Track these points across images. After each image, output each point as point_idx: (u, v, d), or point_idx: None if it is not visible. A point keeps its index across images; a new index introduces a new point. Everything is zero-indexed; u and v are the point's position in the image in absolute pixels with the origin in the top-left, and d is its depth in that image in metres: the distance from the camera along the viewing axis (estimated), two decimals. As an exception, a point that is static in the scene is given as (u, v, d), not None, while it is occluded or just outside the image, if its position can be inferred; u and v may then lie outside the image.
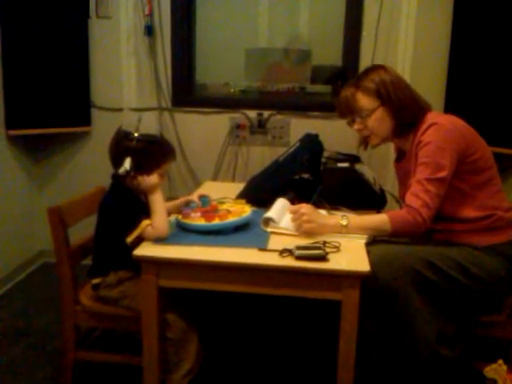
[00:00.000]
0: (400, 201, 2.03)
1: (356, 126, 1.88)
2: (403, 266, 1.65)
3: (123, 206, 1.75)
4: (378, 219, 1.76)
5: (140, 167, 1.73)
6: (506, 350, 1.78)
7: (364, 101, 1.82)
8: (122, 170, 1.70)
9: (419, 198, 1.68)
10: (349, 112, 1.88)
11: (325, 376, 1.95)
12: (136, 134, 1.74)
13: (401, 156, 1.99)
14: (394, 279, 1.64)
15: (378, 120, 1.83)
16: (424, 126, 1.75)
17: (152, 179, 1.74)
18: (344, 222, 1.74)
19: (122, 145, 1.75)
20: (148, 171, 1.74)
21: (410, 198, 1.70)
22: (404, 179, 1.93)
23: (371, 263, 1.55)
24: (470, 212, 1.74)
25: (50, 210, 1.84)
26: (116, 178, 1.79)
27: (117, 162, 1.74)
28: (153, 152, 1.76)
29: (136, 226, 1.67)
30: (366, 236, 1.75)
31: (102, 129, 3.06)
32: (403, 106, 1.80)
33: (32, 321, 2.53)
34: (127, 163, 1.70)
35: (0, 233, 2.84)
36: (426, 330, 1.65)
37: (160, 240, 1.68)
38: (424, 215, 1.66)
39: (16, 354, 2.25)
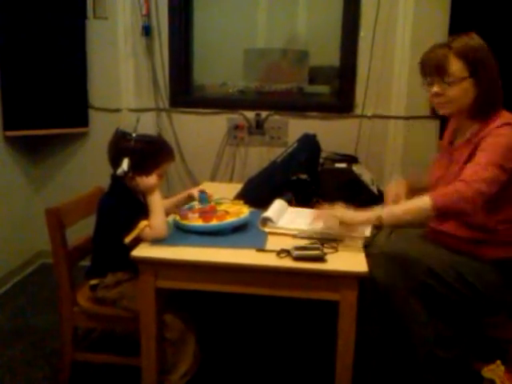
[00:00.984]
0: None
1: (435, 89, 1.71)
2: (401, 269, 1.65)
3: (122, 207, 1.75)
4: (416, 199, 1.61)
5: (138, 168, 1.73)
6: (504, 351, 1.78)
7: (456, 66, 1.66)
8: (119, 171, 1.70)
9: (475, 173, 1.54)
10: (435, 72, 1.70)
11: (323, 377, 1.96)
12: (134, 135, 1.74)
13: (453, 140, 1.88)
14: (392, 280, 1.64)
15: (463, 91, 1.68)
16: (498, 122, 1.65)
17: (150, 180, 1.74)
18: (378, 213, 1.63)
19: (119, 145, 1.75)
20: (146, 172, 1.74)
21: (463, 173, 1.58)
22: (443, 165, 1.85)
23: (369, 265, 1.55)
24: (491, 222, 1.67)
25: (48, 210, 1.84)
26: (115, 178, 1.79)
27: (115, 162, 1.74)
28: (151, 152, 1.76)
29: (134, 227, 1.67)
30: (363, 236, 1.75)
31: (100, 130, 3.05)
32: (490, 87, 1.68)
33: (30, 321, 2.53)
34: (125, 164, 1.70)
35: (-2, 234, 2.84)
36: (424, 331, 1.65)
37: (158, 241, 1.68)
38: (476, 190, 1.51)
39: (14, 354, 2.24)
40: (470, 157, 1.66)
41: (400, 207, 1.65)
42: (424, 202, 1.55)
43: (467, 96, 1.69)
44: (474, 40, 1.69)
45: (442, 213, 1.57)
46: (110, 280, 1.83)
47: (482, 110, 1.71)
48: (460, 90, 1.68)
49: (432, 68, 1.71)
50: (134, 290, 1.74)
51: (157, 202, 1.74)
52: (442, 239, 1.77)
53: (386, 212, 1.63)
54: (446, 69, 1.67)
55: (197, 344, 1.79)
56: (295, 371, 2.15)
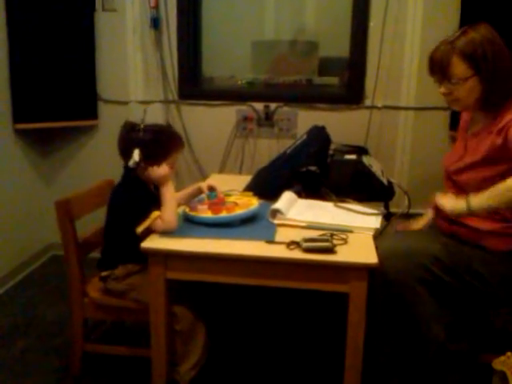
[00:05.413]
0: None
1: (442, 89, 1.74)
2: (412, 261, 1.64)
3: (135, 198, 1.76)
4: (498, 185, 1.56)
5: (149, 158, 1.73)
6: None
7: (458, 67, 1.66)
8: (131, 163, 1.71)
9: None
10: (439, 73, 1.73)
11: (333, 368, 1.95)
12: (142, 125, 1.74)
13: (468, 129, 1.88)
14: (403, 273, 1.63)
15: (468, 90, 1.68)
16: None
17: (162, 170, 1.74)
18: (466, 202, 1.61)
19: (129, 137, 1.75)
20: (158, 161, 1.74)
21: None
22: (457, 153, 1.85)
23: (380, 257, 1.54)
24: (509, 213, 1.67)
25: (58, 203, 1.85)
26: (127, 169, 1.79)
27: (126, 154, 1.74)
28: (161, 141, 1.76)
29: (146, 217, 1.67)
30: (374, 228, 1.74)
31: (109, 122, 3.06)
32: (498, 80, 1.65)
33: (41, 313, 2.55)
34: (136, 155, 1.70)
35: (9, 226, 2.85)
36: (434, 324, 1.64)
37: (167, 232, 1.68)
38: None
39: (26, 345, 2.26)
40: (490, 148, 1.65)
41: (485, 193, 1.59)
42: (507, 184, 1.52)
43: (474, 93, 1.69)
44: (479, 34, 1.66)
45: None
46: (120, 272, 1.84)
47: (493, 103, 1.70)
48: (466, 89, 1.69)
49: (437, 69, 1.73)
50: (144, 282, 1.74)
51: (169, 194, 1.74)
52: (455, 230, 1.76)
53: (473, 201, 1.60)
54: (449, 70, 1.68)
55: (206, 335, 1.79)
56: (304, 363, 2.16)
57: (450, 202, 1.65)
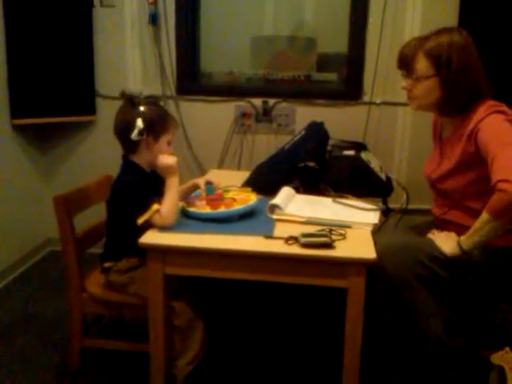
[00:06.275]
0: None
1: (404, 84, 1.77)
2: (410, 257, 1.64)
3: (136, 184, 1.76)
4: (478, 219, 1.55)
5: (150, 129, 1.76)
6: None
7: (421, 64, 1.69)
8: (135, 133, 1.73)
9: (504, 167, 1.48)
10: (404, 67, 1.76)
11: (331, 364, 1.96)
12: (142, 98, 1.81)
13: (441, 133, 1.89)
14: (401, 269, 1.63)
15: (427, 89, 1.71)
16: (480, 114, 1.62)
17: (170, 160, 1.75)
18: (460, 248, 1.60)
19: (130, 109, 1.78)
20: (158, 134, 1.78)
21: (493, 177, 1.50)
22: (435, 159, 1.86)
23: (378, 253, 1.54)
24: None
25: (56, 198, 1.85)
26: (126, 157, 1.81)
27: (127, 127, 1.75)
28: (159, 113, 1.81)
29: (148, 206, 1.67)
30: (372, 223, 1.74)
31: (107, 117, 3.03)
32: (459, 87, 1.66)
33: (40, 308, 2.55)
34: (139, 122, 1.73)
35: (7, 222, 2.85)
36: (432, 319, 1.65)
37: (166, 228, 1.68)
38: (505, 183, 1.44)
39: (25, 341, 2.26)
40: (463, 154, 1.66)
41: (470, 231, 1.58)
42: (482, 217, 1.52)
43: (432, 95, 1.71)
44: (451, 39, 1.66)
45: (505, 216, 1.49)
46: (123, 265, 1.85)
47: (450, 109, 1.73)
48: (424, 88, 1.71)
49: (401, 62, 1.77)
50: (145, 276, 1.73)
51: (173, 187, 1.74)
52: (447, 228, 1.76)
53: (465, 244, 1.58)
54: (412, 65, 1.71)
55: (204, 331, 1.80)
56: (303, 359, 2.16)
57: (446, 246, 1.64)
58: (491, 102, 1.68)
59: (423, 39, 1.71)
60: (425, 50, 1.68)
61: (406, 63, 1.74)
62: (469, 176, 1.68)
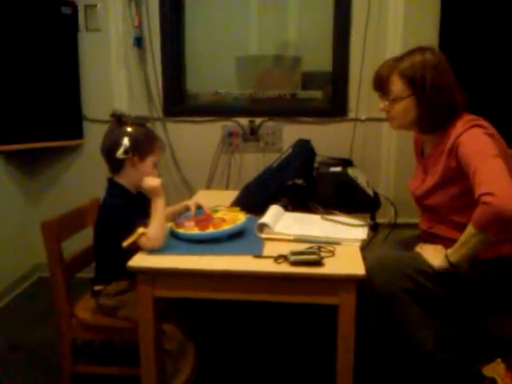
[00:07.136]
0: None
1: (381, 105, 1.80)
2: (398, 271, 1.65)
3: (123, 206, 1.76)
4: (464, 233, 1.57)
5: (137, 149, 1.77)
6: (504, 349, 1.78)
7: (396, 85, 1.73)
8: (121, 151, 1.74)
9: (486, 181, 1.49)
10: (378, 89, 1.81)
11: (324, 380, 1.95)
12: (129, 119, 1.83)
13: (422, 150, 1.91)
14: (390, 284, 1.64)
15: (404, 109, 1.73)
16: (459, 129, 1.65)
17: (154, 181, 1.75)
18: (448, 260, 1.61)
19: (117, 129, 1.79)
20: (143, 155, 1.79)
21: (477, 191, 1.51)
22: (418, 176, 1.88)
23: (367, 268, 1.54)
24: None
25: (44, 223, 1.84)
26: (112, 180, 1.81)
27: (114, 146, 1.76)
28: (146, 134, 1.83)
29: (133, 229, 1.66)
30: (361, 239, 1.75)
31: (95, 141, 2.99)
32: (435, 104, 1.69)
33: (29, 336, 2.51)
34: (125, 141, 1.74)
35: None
36: (422, 333, 1.65)
37: (154, 250, 1.67)
38: (489, 196, 1.45)
39: (13, 369, 2.23)
40: (445, 169, 1.68)
41: (457, 244, 1.59)
42: (468, 231, 1.54)
43: (409, 114, 1.74)
44: (423, 58, 1.70)
45: (490, 229, 1.50)
46: (113, 288, 1.83)
47: (430, 126, 1.75)
48: (401, 108, 1.74)
49: (377, 84, 1.81)
50: (135, 299, 1.72)
51: (160, 210, 1.73)
52: (434, 242, 1.78)
53: (453, 257, 1.60)
54: (388, 87, 1.75)
55: (195, 354, 1.78)
56: (296, 377, 2.14)
57: (434, 259, 1.65)
58: (469, 117, 1.71)
59: (397, 60, 1.75)
60: (399, 71, 1.72)
61: (381, 85, 1.79)
62: (452, 191, 1.69)
